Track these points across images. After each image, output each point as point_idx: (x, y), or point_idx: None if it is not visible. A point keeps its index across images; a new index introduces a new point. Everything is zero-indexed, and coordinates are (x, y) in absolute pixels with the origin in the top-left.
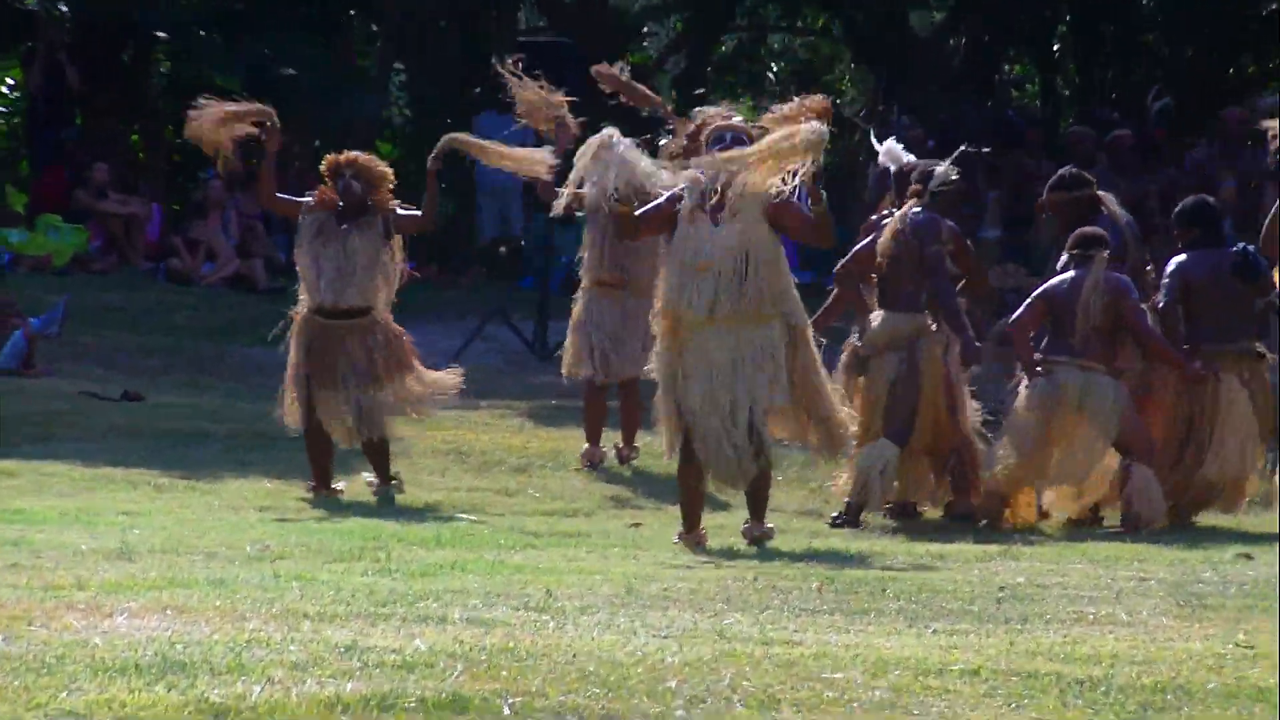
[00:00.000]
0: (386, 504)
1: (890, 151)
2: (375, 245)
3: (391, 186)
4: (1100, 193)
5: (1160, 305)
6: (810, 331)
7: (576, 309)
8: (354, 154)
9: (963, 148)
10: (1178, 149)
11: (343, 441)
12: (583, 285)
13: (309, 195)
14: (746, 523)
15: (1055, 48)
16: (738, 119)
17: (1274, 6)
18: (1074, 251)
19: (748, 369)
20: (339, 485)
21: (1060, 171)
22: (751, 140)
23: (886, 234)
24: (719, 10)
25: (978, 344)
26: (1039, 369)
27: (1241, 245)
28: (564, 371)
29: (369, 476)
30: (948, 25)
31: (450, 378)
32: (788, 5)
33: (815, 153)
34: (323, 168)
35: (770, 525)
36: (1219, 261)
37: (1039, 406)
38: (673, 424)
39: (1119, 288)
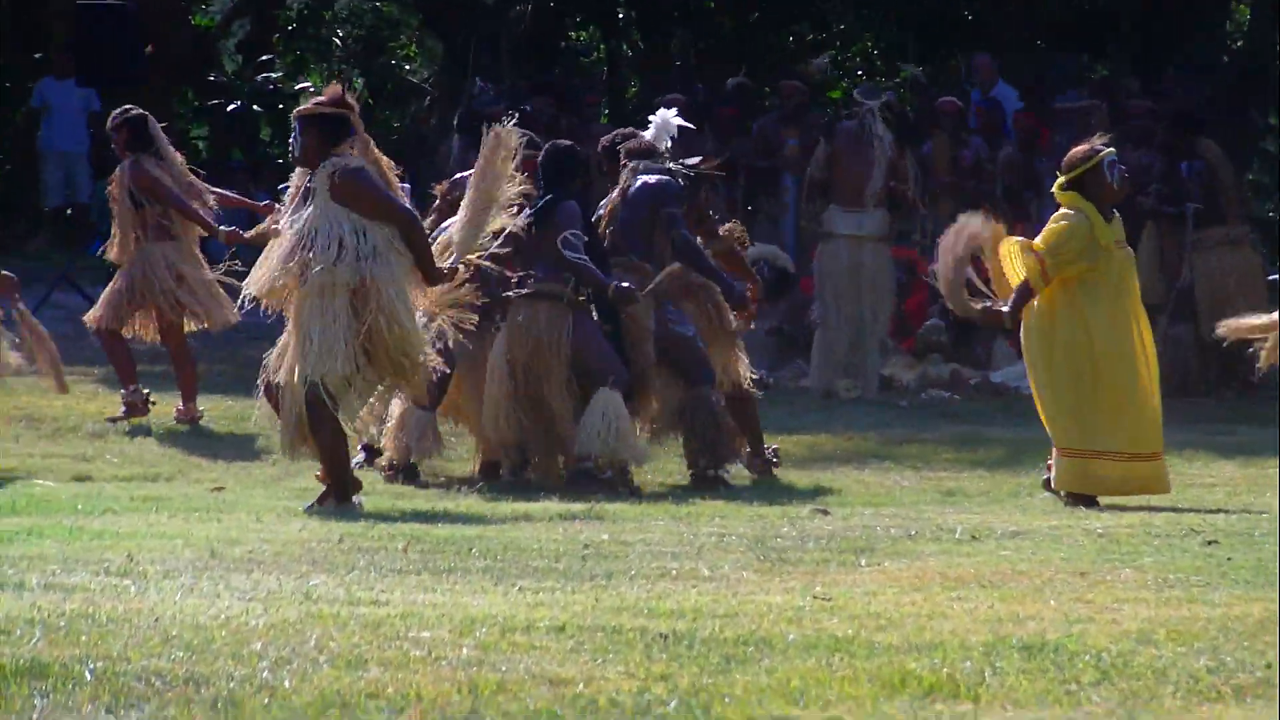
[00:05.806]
0: None
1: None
2: None
3: None
4: None
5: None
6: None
7: None
8: None
9: (528, 135)
10: (746, 122)
11: None
12: None
13: None
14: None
15: (620, 15)
16: None
17: None
18: None
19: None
20: None
21: None
22: None
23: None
24: None
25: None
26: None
27: (550, 194)
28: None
29: None
30: None
31: None
32: None
33: None
34: None
35: (334, 504)
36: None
37: None
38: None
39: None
